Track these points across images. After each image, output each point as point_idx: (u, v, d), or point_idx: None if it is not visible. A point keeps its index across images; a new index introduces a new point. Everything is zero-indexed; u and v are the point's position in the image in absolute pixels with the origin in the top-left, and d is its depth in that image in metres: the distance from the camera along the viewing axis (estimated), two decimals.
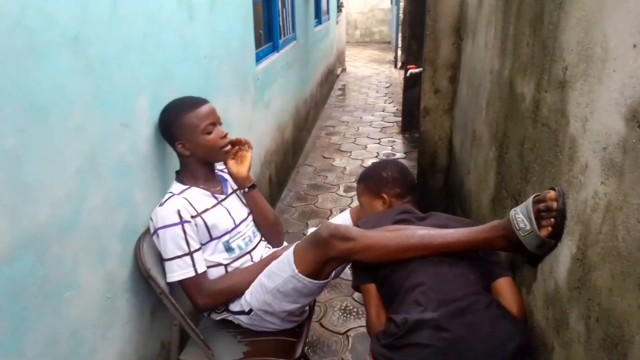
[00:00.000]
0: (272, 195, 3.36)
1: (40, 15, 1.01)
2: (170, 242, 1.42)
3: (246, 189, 1.67)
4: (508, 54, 1.62)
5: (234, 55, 2.39)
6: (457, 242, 1.29)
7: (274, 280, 1.46)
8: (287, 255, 1.44)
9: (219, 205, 1.57)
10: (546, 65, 1.23)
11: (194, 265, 1.44)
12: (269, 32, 3.45)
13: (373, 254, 1.32)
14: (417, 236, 1.32)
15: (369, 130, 5.48)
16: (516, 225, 1.18)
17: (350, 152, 4.77)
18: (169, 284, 1.45)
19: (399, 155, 4.63)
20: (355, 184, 2.03)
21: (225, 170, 1.71)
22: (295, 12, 4.28)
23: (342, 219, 1.81)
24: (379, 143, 5.02)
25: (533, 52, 1.35)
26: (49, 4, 1.04)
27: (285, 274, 1.43)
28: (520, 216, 1.17)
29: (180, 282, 1.44)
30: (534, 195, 1.16)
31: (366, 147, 4.91)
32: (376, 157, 4.59)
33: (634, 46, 0.77)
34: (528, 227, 1.14)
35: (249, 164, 1.66)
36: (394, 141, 5.05)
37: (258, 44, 3.01)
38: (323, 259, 1.37)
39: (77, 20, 1.14)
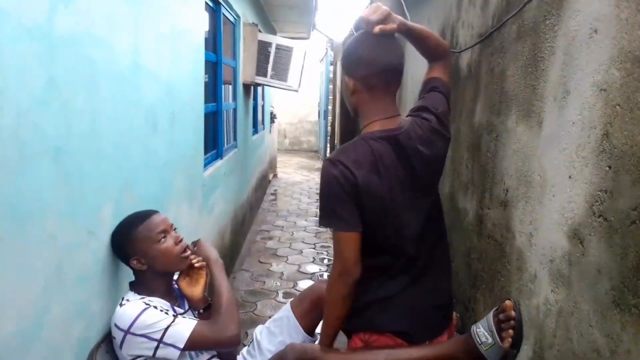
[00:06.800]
0: None
1: (32, 128, 1.05)
2: (152, 321, 1.37)
3: (201, 311, 1.62)
4: (447, 173, 1.84)
5: (186, 162, 2.46)
6: (422, 357, 1.32)
7: None
8: None
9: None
10: (487, 186, 1.42)
11: (188, 319, 1.43)
12: (214, 140, 3.58)
13: None
14: (383, 353, 1.34)
15: (304, 235, 5.57)
16: (478, 340, 1.22)
17: (287, 257, 4.78)
18: None
19: None
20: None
21: None
22: (237, 123, 4.50)
23: (282, 313, 1.74)
24: (314, 248, 5.10)
25: (473, 174, 1.55)
26: (41, 118, 1.08)
27: None
28: (482, 330, 1.22)
29: (194, 335, 1.39)
30: (493, 309, 1.23)
31: (302, 251, 4.96)
32: (312, 262, 4.65)
33: (570, 177, 0.95)
34: (490, 341, 1.19)
35: (204, 284, 1.61)
36: (329, 246, 5.16)
37: (205, 151, 3.11)
38: None
39: (62, 133, 1.17)
